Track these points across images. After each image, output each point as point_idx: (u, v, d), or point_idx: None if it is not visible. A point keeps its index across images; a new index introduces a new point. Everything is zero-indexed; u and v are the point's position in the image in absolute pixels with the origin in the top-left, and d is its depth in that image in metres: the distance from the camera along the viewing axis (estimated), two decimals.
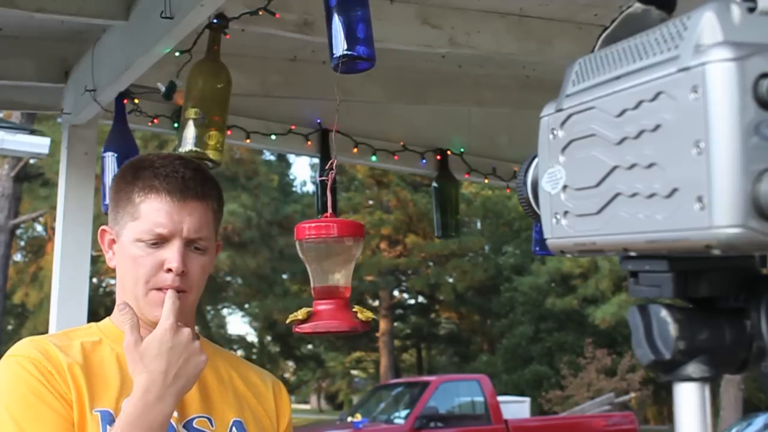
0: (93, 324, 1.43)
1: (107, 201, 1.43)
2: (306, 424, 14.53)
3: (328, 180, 1.46)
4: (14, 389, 1.25)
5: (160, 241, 1.34)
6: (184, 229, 1.34)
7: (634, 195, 0.62)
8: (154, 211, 1.34)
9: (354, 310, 1.41)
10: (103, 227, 1.42)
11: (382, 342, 24.52)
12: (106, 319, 1.43)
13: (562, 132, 0.70)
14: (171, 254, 1.33)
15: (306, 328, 1.39)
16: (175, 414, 1.28)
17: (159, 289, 1.33)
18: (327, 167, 1.52)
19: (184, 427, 1.32)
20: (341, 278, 1.42)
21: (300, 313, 1.45)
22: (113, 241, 1.40)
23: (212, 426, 1.36)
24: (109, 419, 1.26)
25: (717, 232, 0.56)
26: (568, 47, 2.72)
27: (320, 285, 1.41)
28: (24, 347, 1.31)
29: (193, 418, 1.34)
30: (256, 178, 21.66)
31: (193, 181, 1.37)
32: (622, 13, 0.70)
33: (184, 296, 1.33)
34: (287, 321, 1.51)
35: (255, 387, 1.45)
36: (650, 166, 0.61)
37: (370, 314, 1.40)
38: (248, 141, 3.39)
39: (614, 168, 0.64)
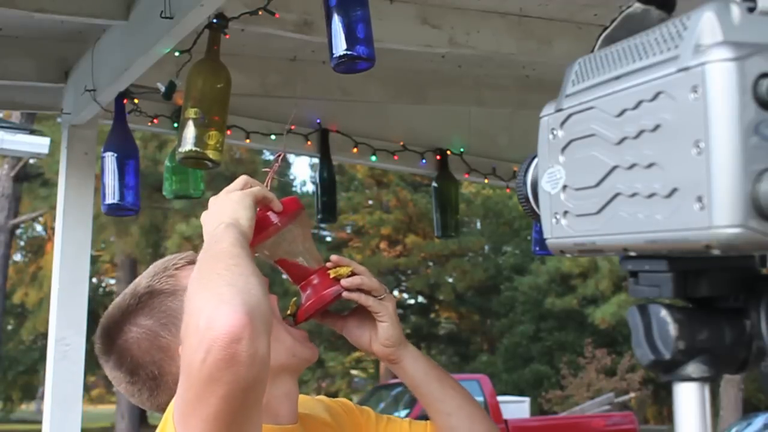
0: None
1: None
2: None
3: (270, 171, 1.47)
4: None
5: None
6: None
7: (633, 195, 0.62)
8: None
9: (329, 274, 1.38)
10: None
11: None
12: None
13: (562, 132, 0.70)
14: None
15: (302, 314, 1.38)
16: None
17: None
18: (273, 159, 1.52)
19: None
20: (307, 255, 1.41)
21: (290, 308, 1.43)
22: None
23: None
24: None
25: (717, 232, 0.55)
26: (568, 47, 2.71)
27: (294, 272, 1.40)
28: None
29: None
30: (255, 178, 21.61)
31: None
32: (622, 13, 0.70)
33: None
34: (282, 318, 1.49)
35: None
36: (650, 166, 0.60)
37: (343, 270, 1.38)
38: (248, 141, 3.39)
39: (614, 168, 0.64)
